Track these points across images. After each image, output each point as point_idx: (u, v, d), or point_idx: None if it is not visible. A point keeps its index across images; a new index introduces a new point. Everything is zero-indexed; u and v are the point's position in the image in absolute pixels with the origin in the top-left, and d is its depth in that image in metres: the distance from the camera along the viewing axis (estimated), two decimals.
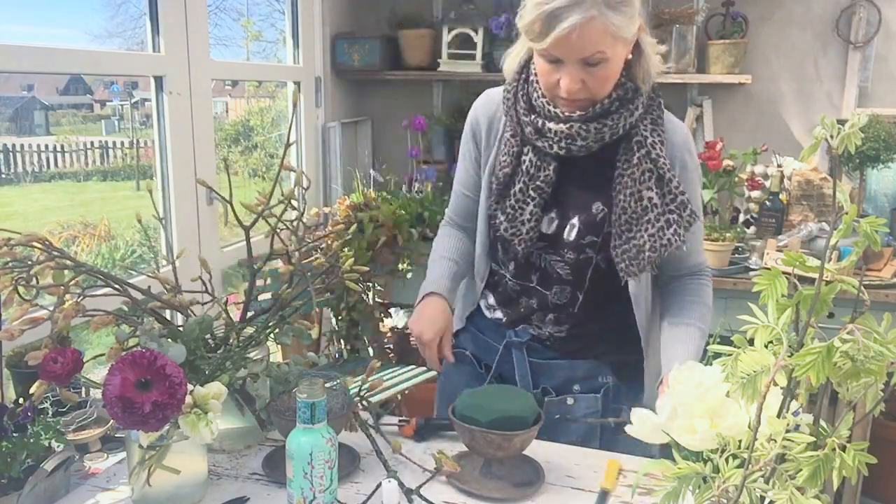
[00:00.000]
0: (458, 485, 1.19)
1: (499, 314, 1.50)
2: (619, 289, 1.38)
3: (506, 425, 1.16)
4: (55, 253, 1.12)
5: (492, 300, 1.52)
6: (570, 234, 1.38)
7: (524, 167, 1.37)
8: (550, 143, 1.33)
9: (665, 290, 1.46)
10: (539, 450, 1.28)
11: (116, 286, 1.18)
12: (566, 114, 1.30)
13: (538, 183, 1.36)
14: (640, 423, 0.92)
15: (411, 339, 1.46)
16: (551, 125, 1.31)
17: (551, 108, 1.32)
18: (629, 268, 1.33)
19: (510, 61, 1.41)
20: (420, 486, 1.13)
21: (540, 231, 1.39)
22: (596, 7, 1.18)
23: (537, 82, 1.33)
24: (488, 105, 1.47)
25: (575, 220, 1.38)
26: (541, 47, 1.23)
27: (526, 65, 1.38)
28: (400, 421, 1.39)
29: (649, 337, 1.44)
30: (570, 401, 1.43)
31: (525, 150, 1.37)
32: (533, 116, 1.34)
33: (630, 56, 1.30)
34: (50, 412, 1.34)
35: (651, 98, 1.35)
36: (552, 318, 1.44)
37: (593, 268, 1.38)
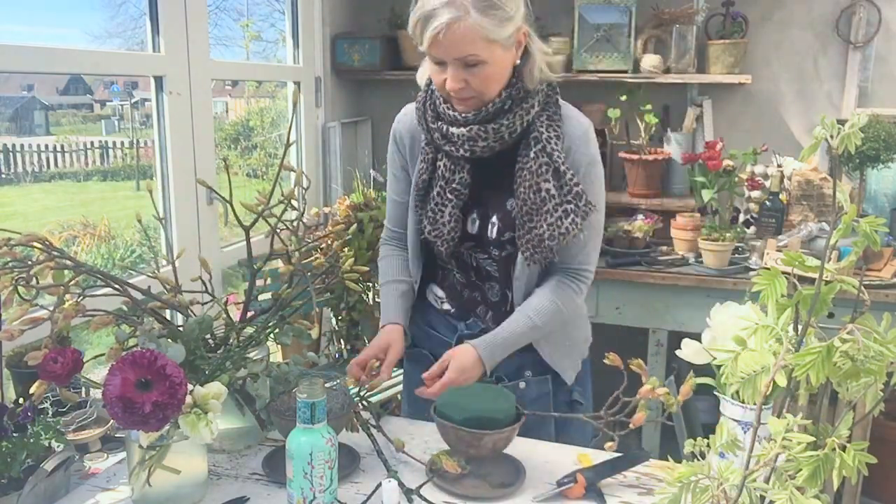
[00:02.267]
0: (440, 483, 1.19)
1: (447, 306, 1.58)
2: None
3: (478, 425, 1.16)
4: (55, 253, 1.12)
5: (440, 293, 1.59)
6: (492, 231, 1.47)
7: (440, 172, 1.45)
8: (456, 146, 1.40)
9: (544, 277, 1.50)
10: (520, 447, 1.29)
11: (116, 286, 1.18)
12: (463, 115, 1.38)
13: (454, 185, 1.44)
14: (686, 347, 1.08)
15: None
16: (453, 129, 1.39)
17: (451, 112, 1.39)
18: (533, 255, 1.41)
19: (420, 73, 1.50)
20: (420, 487, 1.13)
21: (466, 231, 1.48)
22: (463, 9, 1.26)
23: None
24: (408, 118, 1.54)
25: (494, 219, 1.46)
26: (422, 49, 1.33)
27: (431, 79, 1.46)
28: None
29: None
30: (521, 385, 1.51)
31: (440, 155, 1.45)
32: (439, 123, 1.42)
33: (518, 61, 1.37)
34: (50, 412, 1.34)
35: (548, 95, 1.42)
36: (491, 316, 1.52)
37: (519, 264, 1.45)
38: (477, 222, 1.48)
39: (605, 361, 1.21)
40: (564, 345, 1.54)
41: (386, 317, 1.54)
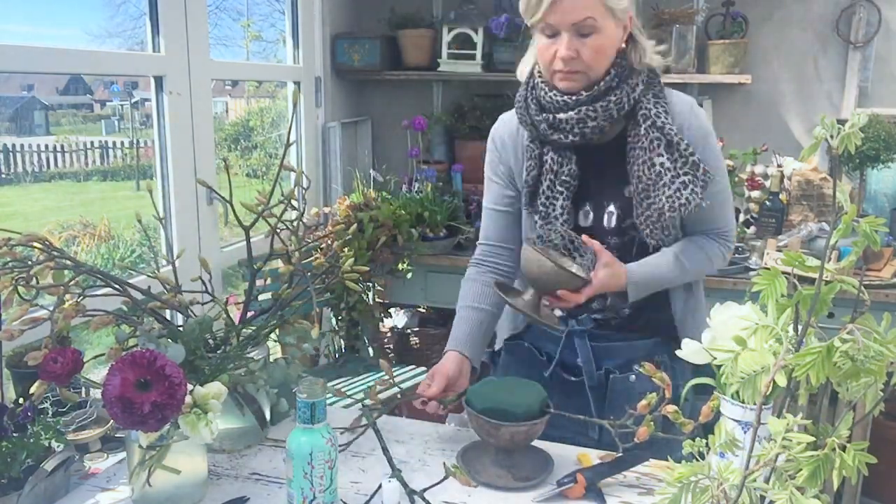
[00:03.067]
0: (465, 469, 1.23)
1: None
2: None
3: (502, 416, 1.20)
4: (55, 253, 1.12)
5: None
6: (610, 221, 1.45)
7: (547, 166, 1.43)
8: (565, 133, 1.38)
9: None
10: (554, 449, 1.31)
11: (116, 286, 1.18)
12: (573, 98, 1.36)
13: (563, 178, 1.42)
14: (686, 347, 1.08)
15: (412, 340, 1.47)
16: (561, 115, 1.38)
17: (558, 97, 1.37)
18: (654, 232, 1.39)
19: (521, 67, 1.49)
20: (426, 490, 1.13)
21: (577, 225, 1.45)
22: None
23: (542, 80, 1.41)
24: (506, 125, 1.54)
25: (611, 208, 1.45)
26: (537, 19, 1.32)
27: (532, 72, 1.46)
28: None
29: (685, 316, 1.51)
30: (632, 377, 1.47)
31: (545, 149, 1.44)
32: (544, 114, 1.40)
33: (625, 45, 1.38)
34: (50, 412, 1.34)
35: (650, 77, 1.42)
36: (611, 301, 1.48)
37: (637, 246, 1.44)
38: (591, 214, 1.46)
39: (640, 370, 1.21)
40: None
41: (453, 342, 1.47)
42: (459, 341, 1.47)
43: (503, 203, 1.54)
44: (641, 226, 1.40)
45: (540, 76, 1.42)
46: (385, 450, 1.20)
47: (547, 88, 1.40)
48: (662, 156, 1.37)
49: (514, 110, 1.50)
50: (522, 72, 1.49)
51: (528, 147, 1.46)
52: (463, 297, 1.54)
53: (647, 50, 1.41)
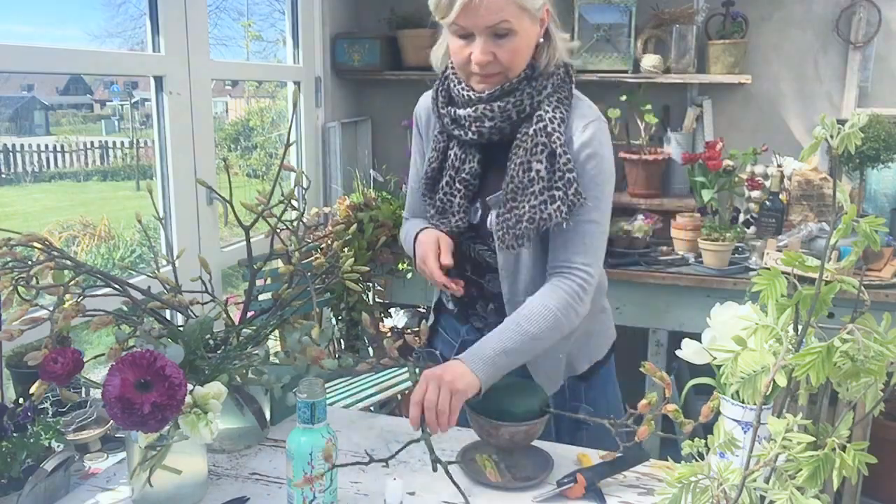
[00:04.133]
0: (465, 469, 1.23)
1: (451, 305, 1.56)
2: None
3: (497, 416, 1.20)
4: (55, 253, 1.12)
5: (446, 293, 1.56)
6: (493, 220, 1.40)
7: (450, 161, 1.42)
8: (464, 129, 1.37)
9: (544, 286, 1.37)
10: (555, 449, 1.32)
11: (116, 286, 1.18)
12: (471, 96, 1.34)
13: (464, 175, 1.40)
14: (686, 347, 1.08)
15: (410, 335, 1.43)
16: (461, 111, 1.36)
17: (466, 93, 1.35)
18: (505, 236, 1.34)
19: (434, 56, 1.47)
20: (451, 462, 1.10)
21: (469, 222, 1.43)
22: None
23: (454, 74, 1.39)
24: (427, 100, 1.51)
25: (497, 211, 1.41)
26: (450, 19, 1.27)
27: (446, 61, 1.44)
28: None
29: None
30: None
31: (451, 144, 1.42)
32: (450, 108, 1.39)
33: (541, 41, 1.35)
34: (50, 412, 1.34)
35: (562, 80, 1.38)
36: (493, 308, 1.47)
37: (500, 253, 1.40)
38: (479, 212, 1.43)
39: (641, 370, 1.21)
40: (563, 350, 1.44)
41: (417, 228, 1.48)
42: (422, 223, 1.48)
43: (420, 183, 1.52)
44: (497, 227, 1.35)
45: (453, 68, 1.39)
46: (431, 450, 1.11)
47: (456, 81, 1.38)
48: (542, 163, 1.32)
49: (432, 90, 1.49)
50: (436, 61, 1.47)
51: (435, 137, 1.45)
52: (414, 225, 1.51)
53: (559, 48, 1.37)
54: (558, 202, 1.30)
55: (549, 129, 1.32)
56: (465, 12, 1.25)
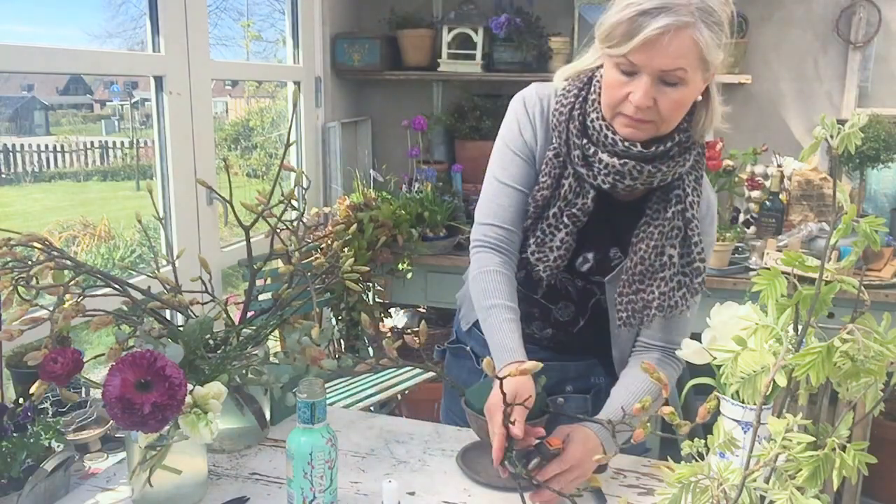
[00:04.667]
0: (464, 469, 1.23)
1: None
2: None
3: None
4: (55, 253, 1.12)
5: None
6: (583, 266, 1.34)
7: (563, 191, 1.28)
8: (595, 174, 1.24)
9: (636, 356, 1.35)
10: None
11: (116, 286, 1.18)
12: (625, 146, 1.19)
13: (574, 210, 1.28)
14: (686, 347, 1.08)
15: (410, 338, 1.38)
16: (604, 157, 1.21)
17: (609, 134, 1.20)
18: (630, 319, 1.28)
19: (568, 71, 1.30)
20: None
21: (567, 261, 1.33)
22: (692, 15, 1.09)
23: (598, 103, 1.23)
24: (540, 98, 1.33)
25: (590, 256, 1.34)
26: (622, 51, 1.12)
27: (589, 82, 1.27)
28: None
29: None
30: (560, 400, 1.41)
31: (566, 173, 1.28)
32: (584, 141, 1.24)
33: (699, 98, 1.22)
34: (50, 412, 1.34)
35: (699, 154, 1.27)
36: (551, 335, 1.42)
37: (595, 301, 1.37)
38: (589, 264, 1.34)
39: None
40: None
41: (512, 353, 1.22)
42: (517, 351, 1.23)
43: (525, 183, 1.32)
44: (620, 306, 1.29)
45: (597, 99, 1.23)
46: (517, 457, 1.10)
47: (597, 117, 1.22)
48: (675, 248, 1.25)
49: (549, 87, 1.33)
50: (562, 76, 1.31)
51: (549, 160, 1.29)
52: (496, 293, 1.29)
53: (716, 113, 1.23)
54: (684, 289, 1.26)
55: (688, 214, 1.25)
56: (645, 49, 1.10)
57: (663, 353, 1.33)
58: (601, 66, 1.23)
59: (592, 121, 1.23)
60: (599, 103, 1.23)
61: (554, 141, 1.29)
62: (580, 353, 1.44)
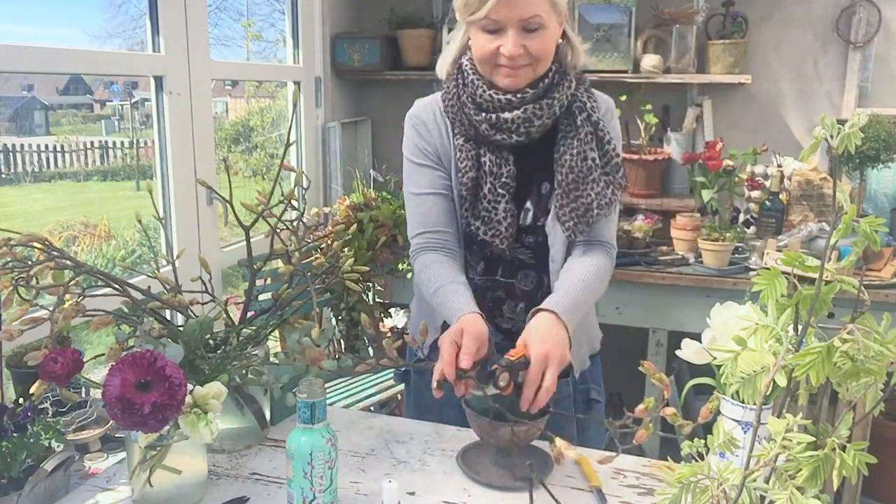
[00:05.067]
0: (465, 469, 1.23)
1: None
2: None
3: (497, 416, 1.20)
4: (55, 253, 1.12)
5: None
6: (526, 218, 1.43)
7: (486, 168, 1.40)
8: (509, 132, 1.37)
9: (576, 252, 1.42)
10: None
11: (116, 286, 1.18)
12: (517, 97, 1.35)
13: (504, 179, 1.40)
14: (686, 347, 1.09)
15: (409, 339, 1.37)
16: (506, 115, 1.36)
17: (501, 97, 1.35)
18: (577, 226, 1.38)
19: (442, 64, 1.46)
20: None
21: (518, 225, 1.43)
22: None
23: (477, 78, 1.38)
24: (425, 110, 1.47)
25: (528, 205, 1.44)
26: (482, 13, 1.28)
27: (460, 68, 1.42)
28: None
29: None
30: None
31: (482, 150, 1.41)
32: (484, 114, 1.38)
33: (560, 41, 1.39)
34: (50, 412, 1.34)
35: (578, 76, 1.43)
36: (522, 307, 1.46)
37: (554, 246, 1.42)
38: (531, 212, 1.44)
39: (640, 369, 1.20)
40: (576, 336, 1.38)
41: (462, 309, 1.28)
42: (469, 305, 1.28)
43: (440, 186, 1.43)
44: (564, 218, 1.38)
45: (473, 72, 1.39)
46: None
47: (485, 87, 1.37)
48: (594, 150, 1.39)
49: (430, 97, 1.49)
50: (443, 69, 1.46)
51: (462, 147, 1.41)
52: (438, 277, 1.36)
53: (579, 49, 1.41)
54: (612, 186, 1.40)
55: (593, 118, 1.40)
56: (503, 5, 1.27)
57: (594, 247, 1.43)
58: (465, 53, 1.41)
59: (480, 95, 1.37)
60: (478, 78, 1.38)
61: (456, 130, 1.42)
62: None
